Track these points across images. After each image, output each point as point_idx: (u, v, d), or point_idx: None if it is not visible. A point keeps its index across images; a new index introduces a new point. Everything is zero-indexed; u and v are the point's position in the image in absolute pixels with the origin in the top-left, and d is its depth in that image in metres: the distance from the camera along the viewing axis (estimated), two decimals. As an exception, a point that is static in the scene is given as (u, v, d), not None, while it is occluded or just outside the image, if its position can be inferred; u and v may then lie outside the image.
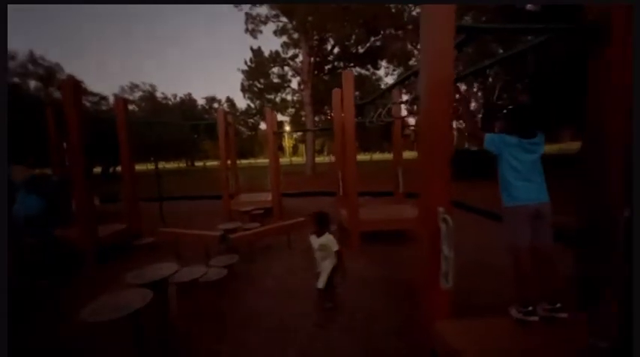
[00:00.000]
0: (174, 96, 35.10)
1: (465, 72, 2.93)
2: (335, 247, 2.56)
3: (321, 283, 2.56)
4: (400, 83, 3.35)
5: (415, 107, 3.55)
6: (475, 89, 15.44)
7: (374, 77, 22.39)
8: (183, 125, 10.20)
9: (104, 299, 2.02)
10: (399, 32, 18.01)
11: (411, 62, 18.78)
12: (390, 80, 22.18)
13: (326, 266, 2.61)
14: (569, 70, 9.78)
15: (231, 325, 2.54)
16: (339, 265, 2.62)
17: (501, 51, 11.38)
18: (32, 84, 23.69)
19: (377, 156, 39.57)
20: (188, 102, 35.21)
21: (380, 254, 4.11)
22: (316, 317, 2.58)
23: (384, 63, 20.23)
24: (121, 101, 5.65)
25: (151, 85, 32.95)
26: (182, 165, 41.01)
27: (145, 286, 2.18)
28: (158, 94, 33.62)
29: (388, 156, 35.54)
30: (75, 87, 4.03)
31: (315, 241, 2.63)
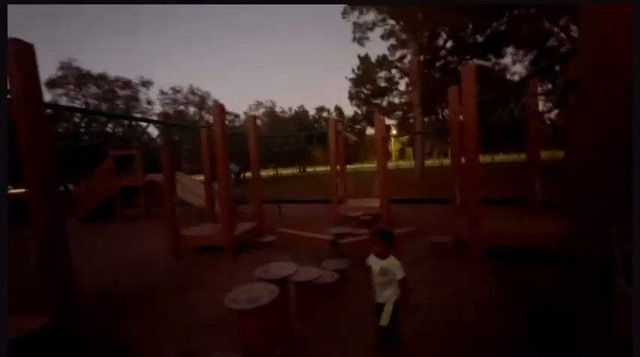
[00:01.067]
0: (290, 109, 39.23)
1: None
2: (400, 275, 2.14)
3: (384, 320, 2.14)
4: (540, 72, 2.75)
5: (555, 99, 2.83)
6: None
7: (497, 68, 19.48)
8: (297, 136, 11.30)
9: (239, 290, 2.36)
10: (532, 10, 15.10)
11: (550, 43, 15.49)
12: (518, 68, 18.86)
13: (388, 297, 2.19)
14: None
15: (341, 329, 2.58)
16: (403, 297, 2.19)
17: None
18: (191, 109, 30.78)
19: (499, 157, 34.22)
20: (301, 114, 38.73)
21: (508, 274, 3.46)
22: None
23: (510, 50, 17.36)
24: (252, 118, 6.65)
25: (272, 102, 37.89)
26: (295, 171, 45.23)
27: (271, 282, 2.44)
28: (277, 109, 38.31)
29: (514, 157, 30.19)
30: (220, 110, 4.95)
31: (377, 263, 2.23)
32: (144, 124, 4.69)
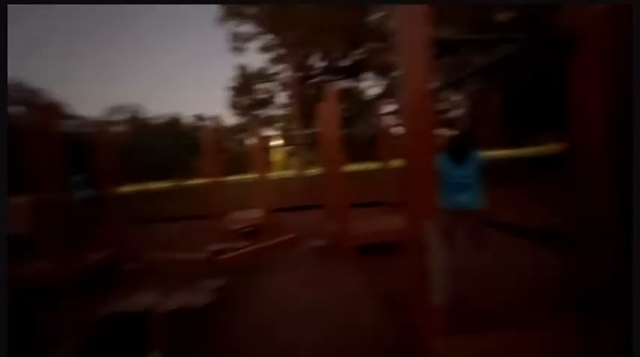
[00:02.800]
0: (162, 116, 34.95)
1: (449, 82, 2.98)
2: None
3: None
4: (383, 96, 3.37)
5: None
6: (461, 98, 15.84)
7: (359, 89, 22.79)
8: (169, 146, 9.97)
9: (67, 342, 1.88)
10: (382, 44, 18.47)
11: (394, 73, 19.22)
12: (375, 92, 22.61)
13: None
14: (546, 77, 10.16)
15: (223, 351, 2.40)
16: None
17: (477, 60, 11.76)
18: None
19: (372, 165, 39.67)
20: (176, 121, 35.05)
21: (374, 268, 4.02)
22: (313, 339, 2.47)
23: (367, 75, 20.64)
24: (103, 124, 5.54)
25: (136, 105, 32.81)
26: (172, 184, 40.43)
27: (123, 320, 2.05)
28: (145, 116, 33.44)
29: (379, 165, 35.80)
30: (52, 110, 3.92)
31: None
32: None
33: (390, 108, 6.02)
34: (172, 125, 33.61)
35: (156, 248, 5.55)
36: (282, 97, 23.36)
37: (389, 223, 4.94)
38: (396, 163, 6.21)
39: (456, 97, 15.89)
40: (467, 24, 13.76)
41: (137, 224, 7.52)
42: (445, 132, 2.82)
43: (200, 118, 37.15)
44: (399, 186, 5.79)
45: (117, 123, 29.80)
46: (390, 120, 5.42)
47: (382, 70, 19.44)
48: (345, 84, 21.96)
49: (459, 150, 2.54)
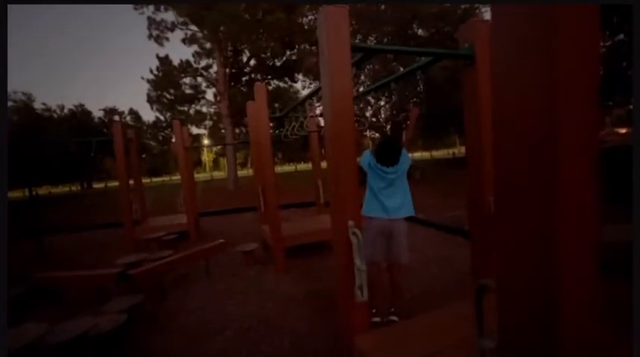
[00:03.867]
0: (61, 107, 29.70)
1: (369, 88, 3.15)
2: None
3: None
4: (311, 97, 3.40)
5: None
6: (382, 103, 17.07)
7: (292, 90, 22.83)
8: (69, 142, 8.22)
9: None
10: (313, 47, 18.81)
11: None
12: (307, 93, 22.92)
13: None
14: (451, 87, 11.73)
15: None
16: None
17: (401, 69, 12.91)
18: None
19: (302, 166, 40.21)
20: (80, 114, 30.16)
21: (305, 268, 4.05)
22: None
23: (300, 76, 20.79)
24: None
25: (26, 94, 27.16)
26: (76, 188, 34.77)
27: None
28: (38, 105, 27.95)
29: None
30: None
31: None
32: None
33: (321, 109, 6.15)
34: (76, 119, 28.81)
35: (54, 266, 4.65)
36: (211, 94, 22.04)
37: (319, 223, 5.04)
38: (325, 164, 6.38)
39: (381, 103, 17.12)
40: (393, 35, 14.95)
41: (29, 236, 6.21)
42: (374, 134, 2.85)
43: (112, 111, 32.72)
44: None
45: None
46: (320, 121, 5.53)
47: (313, 72, 19.85)
48: (278, 84, 21.78)
49: (388, 150, 2.41)
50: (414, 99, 15.65)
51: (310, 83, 20.13)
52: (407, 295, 2.85)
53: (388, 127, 16.28)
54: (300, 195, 10.04)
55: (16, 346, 1.87)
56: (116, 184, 6.70)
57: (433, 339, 1.70)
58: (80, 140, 6.68)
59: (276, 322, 2.76)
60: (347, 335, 1.86)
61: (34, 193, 7.09)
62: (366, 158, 2.52)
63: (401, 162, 2.42)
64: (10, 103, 26.34)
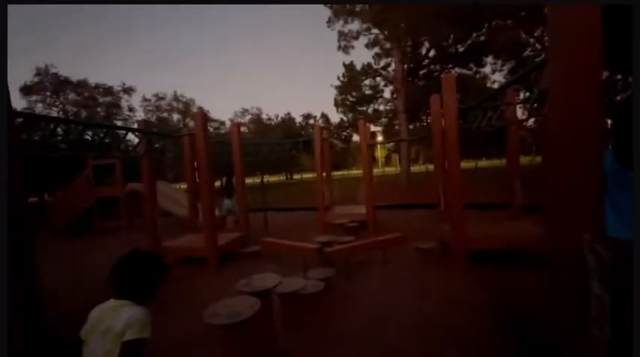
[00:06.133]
0: (276, 116, 39.20)
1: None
2: (130, 334, 1.16)
3: None
4: (516, 82, 2.83)
5: (535, 106, 2.92)
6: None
7: (478, 76, 20.13)
8: (284, 143, 11.17)
9: (219, 304, 2.27)
10: (509, 21, 15.76)
11: (527, 53, 16.16)
12: (497, 77, 19.53)
13: None
14: None
15: (328, 341, 2.52)
16: None
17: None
18: (175, 117, 30.31)
19: (482, 163, 35.15)
20: (288, 121, 38.76)
21: (492, 278, 3.50)
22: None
23: (489, 59, 17.98)
24: (236, 126, 6.58)
25: (258, 109, 37.75)
26: (282, 178, 45.01)
27: (253, 295, 2.37)
28: (263, 116, 38.18)
29: (495, 163, 31.11)
30: (202, 117, 4.86)
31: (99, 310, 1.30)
32: (123, 132, 4.55)
33: (520, 96, 5.07)
34: (285, 124, 37.36)
35: (271, 235, 6.28)
36: (387, 92, 22.85)
37: (515, 227, 4.21)
38: (524, 159, 5.20)
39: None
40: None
41: (257, 212, 8.66)
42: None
43: (308, 116, 40.02)
44: (530, 187, 4.85)
45: (244, 124, 35.12)
46: (519, 110, 4.57)
47: (507, 52, 16.61)
48: (461, 71, 19.78)
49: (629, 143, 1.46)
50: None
51: (503, 65, 17.07)
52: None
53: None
54: (484, 195, 8.76)
55: (261, 289, 2.58)
56: (308, 175, 8.24)
57: None
58: (292, 141, 8.56)
59: (452, 328, 2.54)
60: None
61: (265, 180, 9.82)
62: (607, 159, 1.62)
63: None
64: (248, 116, 37.38)
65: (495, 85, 19.29)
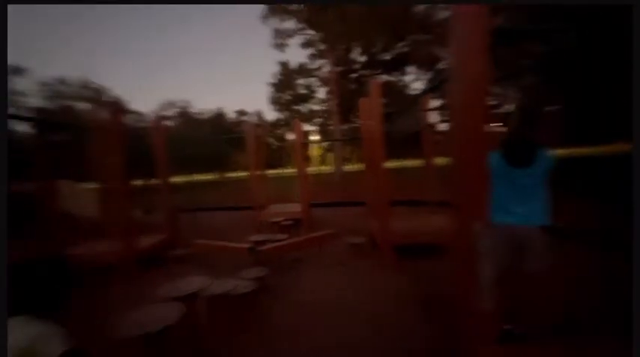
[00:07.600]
0: (207, 111, 36.92)
1: (504, 74, 2.76)
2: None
3: None
4: (430, 90, 3.22)
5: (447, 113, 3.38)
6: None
7: (401, 83, 22.06)
8: (215, 139, 10.54)
9: (139, 312, 2.08)
10: (427, 36, 17.66)
11: (442, 66, 18.30)
12: (418, 86, 21.72)
13: None
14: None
15: (260, 340, 2.51)
16: None
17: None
18: (84, 106, 26.15)
19: (410, 163, 38.51)
20: (219, 116, 36.86)
21: (416, 270, 3.90)
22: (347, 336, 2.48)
23: (411, 69, 19.90)
24: (158, 118, 6.02)
25: (186, 102, 35.02)
26: (214, 176, 42.71)
27: (179, 300, 2.22)
28: (192, 110, 35.59)
29: (422, 162, 34.40)
30: (115, 107, 4.32)
31: None
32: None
33: (435, 103, 5.75)
34: (216, 120, 35.46)
35: (202, 236, 5.92)
36: (322, 93, 23.48)
37: (431, 223, 4.76)
38: (440, 160, 5.94)
39: (508, 91, 14.66)
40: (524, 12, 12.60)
41: (185, 213, 8.07)
42: (499, 128, 2.35)
43: (242, 113, 38.69)
44: (445, 185, 5.53)
45: (169, 118, 32.20)
46: (434, 116, 5.20)
47: (426, 64, 18.61)
48: (387, 78, 21.42)
49: (519, 149, 2.00)
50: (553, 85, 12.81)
51: (422, 75, 19.01)
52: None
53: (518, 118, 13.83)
54: (409, 192, 9.66)
55: (187, 293, 2.44)
56: (243, 174, 8.02)
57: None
58: (223, 137, 8.18)
59: (383, 315, 2.78)
60: (470, 348, 1.72)
61: (196, 179, 9.21)
62: (493, 158, 2.07)
63: (539, 160, 1.96)
64: (175, 109, 34.46)
65: (416, 92, 21.43)
